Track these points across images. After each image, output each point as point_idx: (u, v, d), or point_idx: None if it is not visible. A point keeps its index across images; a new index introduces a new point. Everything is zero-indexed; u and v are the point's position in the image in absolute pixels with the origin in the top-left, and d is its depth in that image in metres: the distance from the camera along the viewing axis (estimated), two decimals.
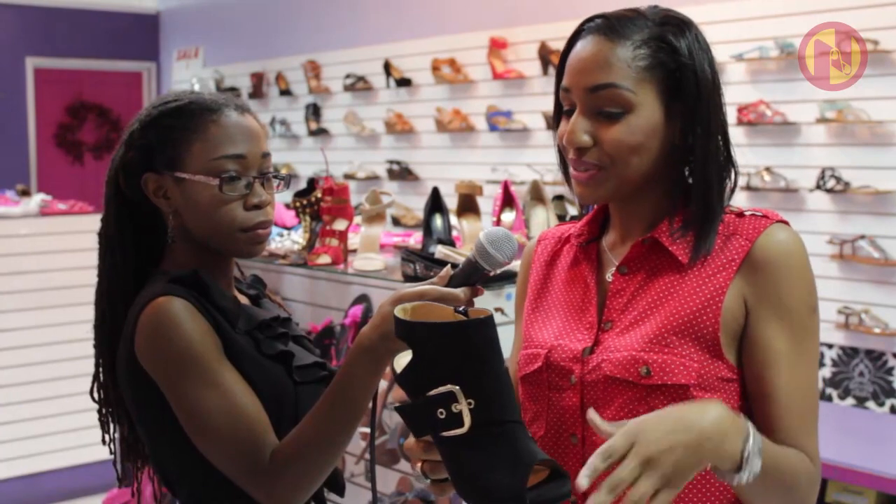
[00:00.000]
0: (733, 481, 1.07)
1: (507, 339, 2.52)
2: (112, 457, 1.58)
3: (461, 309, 1.15)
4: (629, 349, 1.22)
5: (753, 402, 1.23)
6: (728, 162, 1.27)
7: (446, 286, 1.23)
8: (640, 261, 1.27)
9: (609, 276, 1.30)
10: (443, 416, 1.02)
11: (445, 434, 1.03)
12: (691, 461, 1.02)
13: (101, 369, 1.49)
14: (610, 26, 1.22)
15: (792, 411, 1.19)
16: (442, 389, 1.02)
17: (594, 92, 1.21)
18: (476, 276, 1.23)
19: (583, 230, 1.35)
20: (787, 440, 1.19)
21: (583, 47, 1.23)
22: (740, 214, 1.26)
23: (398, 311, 1.11)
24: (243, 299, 1.51)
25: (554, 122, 1.31)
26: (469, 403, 1.02)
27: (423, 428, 1.06)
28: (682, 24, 1.24)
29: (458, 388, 1.02)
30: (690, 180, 1.26)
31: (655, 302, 1.24)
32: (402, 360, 1.15)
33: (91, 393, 1.51)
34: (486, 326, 1.05)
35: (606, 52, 1.20)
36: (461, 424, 1.02)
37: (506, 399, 1.05)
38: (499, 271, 1.28)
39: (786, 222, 1.24)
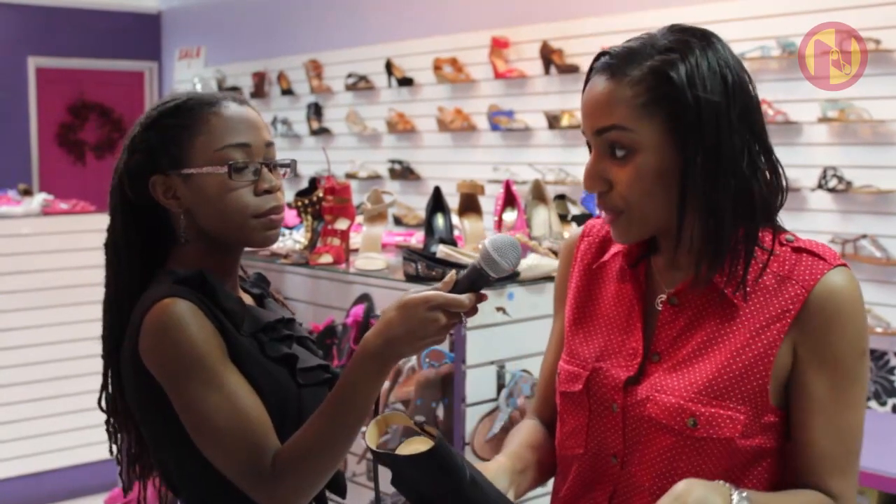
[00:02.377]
0: None
1: (510, 338, 2.49)
2: (119, 466, 1.57)
3: (420, 421, 1.24)
4: (678, 396, 1.20)
5: (792, 442, 1.21)
6: (752, 186, 1.23)
7: (451, 292, 1.24)
8: (691, 293, 1.23)
9: (658, 304, 1.27)
10: None
11: None
12: None
13: (108, 378, 1.48)
14: (611, 64, 1.19)
15: (826, 457, 1.17)
16: None
17: (600, 135, 1.19)
18: (481, 282, 1.24)
19: (631, 248, 1.30)
20: (814, 482, 1.18)
21: (589, 89, 1.22)
22: (797, 250, 1.23)
23: (370, 435, 1.21)
24: (248, 299, 1.50)
25: None
26: None
27: None
28: (686, 48, 1.17)
29: None
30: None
31: (707, 343, 1.21)
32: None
33: (99, 402, 1.50)
34: (426, 459, 1.14)
35: (607, 93, 1.18)
36: None
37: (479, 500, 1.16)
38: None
39: (844, 264, 1.20)
